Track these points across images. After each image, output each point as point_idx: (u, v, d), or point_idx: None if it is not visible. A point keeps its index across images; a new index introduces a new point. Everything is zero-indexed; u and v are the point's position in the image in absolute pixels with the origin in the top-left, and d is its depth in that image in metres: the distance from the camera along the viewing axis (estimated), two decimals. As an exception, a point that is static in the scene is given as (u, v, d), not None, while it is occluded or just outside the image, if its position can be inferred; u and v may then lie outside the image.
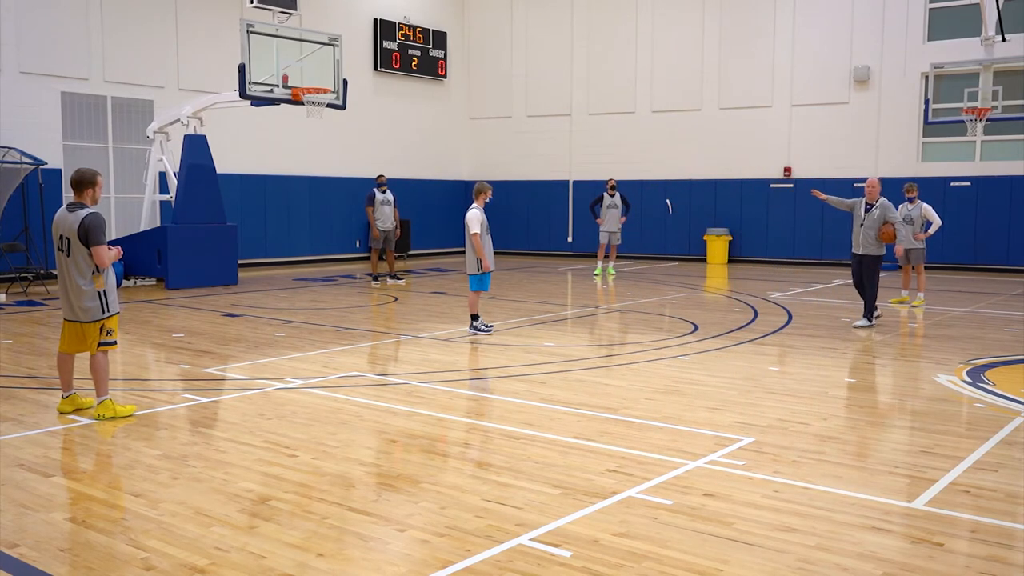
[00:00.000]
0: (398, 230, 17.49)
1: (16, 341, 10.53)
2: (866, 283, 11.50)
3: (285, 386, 8.05)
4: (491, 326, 11.22)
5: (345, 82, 16.11)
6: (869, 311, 11.56)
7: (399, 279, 17.70)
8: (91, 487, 5.31)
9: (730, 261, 22.56)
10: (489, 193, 11.06)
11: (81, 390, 7.36)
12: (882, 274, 19.54)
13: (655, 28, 23.64)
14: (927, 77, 20.04)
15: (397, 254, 20.61)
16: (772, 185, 22.29)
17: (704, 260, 22.84)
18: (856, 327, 11.57)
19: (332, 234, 22.90)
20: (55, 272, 11.09)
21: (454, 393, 7.89)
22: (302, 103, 15.37)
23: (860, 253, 11.51)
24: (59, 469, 5.70)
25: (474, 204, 10.91)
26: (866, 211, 11.44)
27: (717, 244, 22.46)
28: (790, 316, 12.68)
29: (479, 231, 10.66)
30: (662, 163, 23.71)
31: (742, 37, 22.47)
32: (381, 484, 5.35)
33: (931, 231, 13.93)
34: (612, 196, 18.67)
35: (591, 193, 22.77)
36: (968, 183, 20.00)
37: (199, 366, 9.00)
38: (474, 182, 14.59)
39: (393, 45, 24.17)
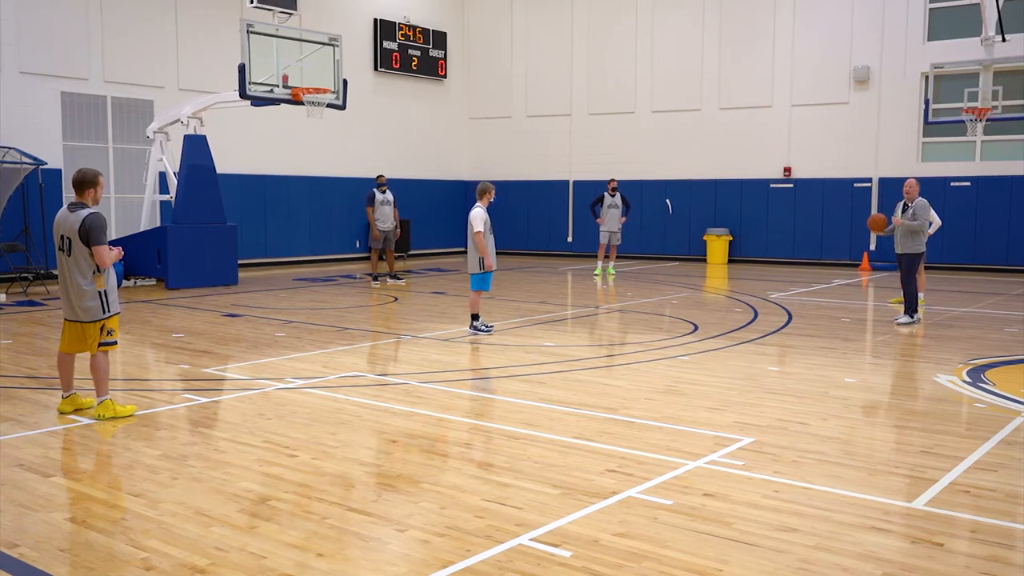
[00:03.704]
0: (398, 230, 17.49)
1: (16, 341, 10.53)
2: (904, 281, 11.84)
3: (285, 386, 8.05)
4: (491, 326, 11.23)
5: (345, 82, 16.11)
6: (911, 308, 11.84)
7: (399, 279, 17.70)
8: (91, 487, 5.31)
9: (730, 261, 22.56)
10: (492, 193, 11.09)
11: (81, 390, 7.36)
12: (881, 274, 19.55)
13: (655, 28, 23.64)
14: (927, 77, 20.05)
15: (397, 254, 20.61)
16: (772, 185, 22.29)
17: (704, 260, 22.84)
18: (898, 323, 11.86)
19: (332, 234, 22.90)
20: (55, 272, 11.10)
21: (454, 393, 7.89)
22: (302, 103, 15.37)
23: (899, 252, 11.86)
24: (59, 469, 5.70)
25: (478, 204, 10.92)
26: (903, 212, 11.75)
27: (717, 244, 22.46)
28: (790, 316, 12.68)
29: (482, 230, 10.68)
30: (662, 163, 23.71)
31: (742, 37, 22.47)
32: (381, 484, 5.35)
33: (931, 231, 13.91)
34: (613, 196, 18.67)
35: (591, 193, 22.77)
36: (968, 183, 19.99)
37: (199, 366, 9.00)
38: (474, 182, 14.63)
39: (393, 45, 24.17)
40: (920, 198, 11.85)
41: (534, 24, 25.60)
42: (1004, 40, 17.56)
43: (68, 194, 15.86)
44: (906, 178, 12.14)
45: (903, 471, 5.59)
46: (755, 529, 4.57)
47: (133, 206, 18.61)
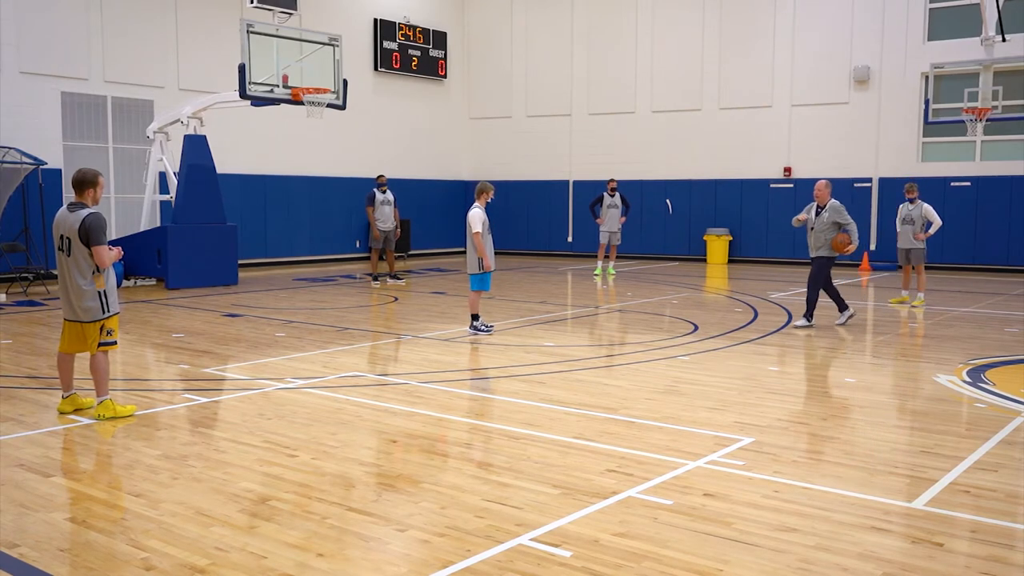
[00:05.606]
0: (398, 230, 17.49)
1: (16, 341, 10.53)
2: (809, 283, 11.56)
3: (285, 386, 8.05)
4: (491, 326, 11.22)
5: (345, 82, 16.11)
6: (809, 312, 11.50)
7: (399, 279, 17.70)
8: (91, 487, 5.31)
9: (730, 261, 22.56)
10: (491, 193, 11.08)
11: (81, 390, 7.36)
12: (881, 274, 19.57)
13: (655, 28, 23.65)
14: (927, 77, 20.06)
15: (397, 254, 20.62)
16: (772, 185, 22.29)
17: (704, 260, 22.84)
18: (796, 326, 11.52)
19: (332, 234, 22.90)
20: (55, 272, 11.10)
21: (454, 393, 7.89)
22: (302, 103, 15.37)
23: (812, 256, 11.59)
24: (59, 469, 5.70)
25: (476, 203, 10.92)
26: (816, 215, 11.49)
27: (717, 244, 22.46)
28: (790, 316, 12.67)
29: (481, 230, 10.67)
30: (662, 163, 23.71)
31: (742, 37, 22.47)
32: (381, 484, 5.35)
33: (931, 231, 13.92)
34: (612, 196, 18.68)
35: (591, 193, 22.78)
36: (968, 183, 19.99)
37: (199, 366, 9.00)
38: (474, 182, 14.62)
39: (393, 45, 24.17)
40: (833, 200, 11.44)
41: (534, 24, 25.60)
42: (1004, 40, 17.55)
43: (68, 194, 15.86)
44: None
45: (903, 471, 5.59)
46: (755, 529, 4.57)
47: (133, 206, 18.60)
